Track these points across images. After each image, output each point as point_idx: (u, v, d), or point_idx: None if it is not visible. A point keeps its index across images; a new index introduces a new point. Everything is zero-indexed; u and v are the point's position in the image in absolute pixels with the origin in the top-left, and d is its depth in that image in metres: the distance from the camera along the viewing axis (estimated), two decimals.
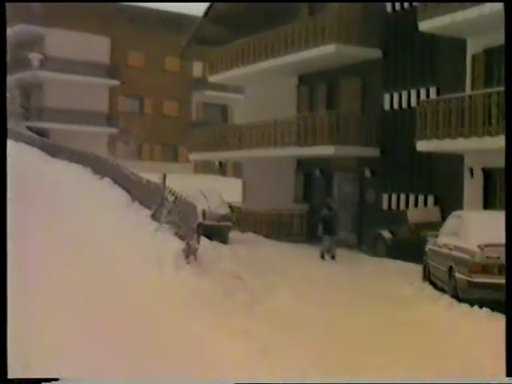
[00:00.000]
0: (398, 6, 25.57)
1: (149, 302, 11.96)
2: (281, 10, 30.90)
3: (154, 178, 20.78)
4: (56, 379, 6.52)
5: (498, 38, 20.60)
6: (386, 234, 23.48)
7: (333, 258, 22.46)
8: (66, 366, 7.73)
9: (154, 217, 18.17)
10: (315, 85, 30.08)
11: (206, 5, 34.61)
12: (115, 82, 51.69)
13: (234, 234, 26.37)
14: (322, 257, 22.47)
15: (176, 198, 17.62)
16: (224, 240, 24.17)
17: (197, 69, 56.05)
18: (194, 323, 10.69)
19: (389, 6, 25.82)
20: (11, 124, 47.41)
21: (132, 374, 8.01)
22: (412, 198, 24.83)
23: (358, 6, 26.76)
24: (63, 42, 49.19)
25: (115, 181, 24.35)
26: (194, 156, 36.79)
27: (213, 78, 35.62)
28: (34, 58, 45.14)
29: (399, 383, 6.99)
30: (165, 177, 18.60)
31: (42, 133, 44.82)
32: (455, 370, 9.05)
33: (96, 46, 50.77)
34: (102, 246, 16.38)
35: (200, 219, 17.05)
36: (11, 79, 49.61)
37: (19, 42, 52.51)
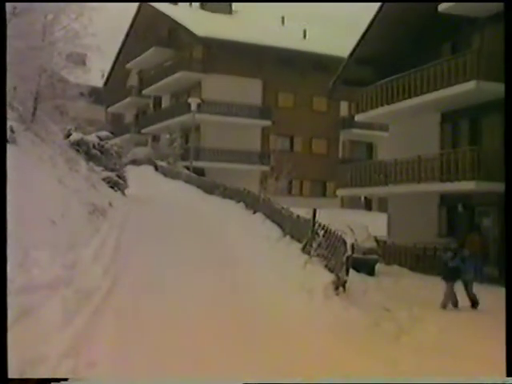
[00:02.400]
0: None
1: (299, 329, 12.24)
2: (425, 48, 30.83)
3: (303, 212, 21.16)
4: (65, 379, 6.45)
5: None
6: None
7: (473, 305, 18.02)
8: None
9: (304, 250, 18.44)
10: (458, 121, 29.72)
11: (351, 46, 34.99)
12: (267, 123, 52.77)
13: (379, 267, 26.36)
14: (444, 307, 17.68)
15: (325, 231, 17.85)
16: (371, 272, 24.18)
17: (343, 108, 56.41)
18: (340, 350, 10.88)
19: None
20: (171, 164, 49.51)
21: None
22: None
23: (500, 41, 26.25)
24: (219, 85, 50.88)
25: (267, 216, 24.89)
26: (341, 192, 36.94)
27: (359, 117, 35.80)
28: (193, 102, 46.83)
29: (399, 383, 6.82)
30: (315, 211, 18.89)
31: (198, 171, 46.31)
32: None
33: (249, 89, 52.12)
34: (254, 275, 16.84)
35: (349, 252, 17.13)
36: (174, 122, 51.86)
37: (181, 88, 54.78)
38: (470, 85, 25.88)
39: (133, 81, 67.68)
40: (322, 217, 19.42)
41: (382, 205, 43.50)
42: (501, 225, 26.78)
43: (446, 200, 30.02)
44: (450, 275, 17.98)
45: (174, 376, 7.70)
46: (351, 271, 18.50)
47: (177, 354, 9.79)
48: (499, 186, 25.20)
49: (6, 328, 6.73)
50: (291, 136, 54.56)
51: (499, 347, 11.94)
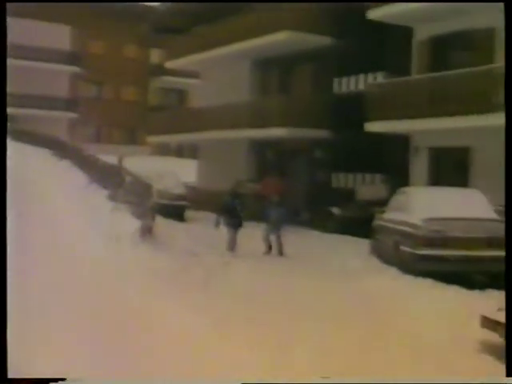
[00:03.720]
0: None
1: (106, 277, 11.85)
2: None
3: (111, 160, 20.62)
4: (63, 379, 6.45)
5: (444, 27, 20.93)
6: (337, 211, 23.50)
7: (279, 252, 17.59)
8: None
9: (111, 197, 18.02)
10: (268, 70, 29.95)
11: None
12: (75, 69, 51.06)
13: (189, 213, 26.41)
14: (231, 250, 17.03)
15: (133, 178, 17.48)
16: (180, 218, 24.25)
17: (155, 56, 55.56)
18: (147, 295, 10.59)
19: None
20: None
21: (88, 349, 7.84)
22: (361, 176, 24.92)
23: None
24: (26, 30, 48.35)
25: (74, 163, 24.08)
26: (151, 139, 36.54)
27: (170, 64, 35.33)
28: None
29: (399, 383, 6.95)
30: (121, 158, 18.49)
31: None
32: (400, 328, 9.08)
33: (58, 35, 50.06)
34: (63, 224, 16.24)
35: (156, 199, 16.87)
36: None
37: None
38: (282, 35, 26.07)
39: None
40: (131, 164, 19.07)
41: (194, 152, 43.56)
42: (309, 169, 27.47)
43: (255, 146, 30.32)
44: (231, 220, 17.31)
45: (172, 376, 7.31)
46: (160, 218, 18.34)
47: None
48: (308, 132, 26.03)
49: (6, 328, 6.76)
50: (100, 83, 53.21)
51: (302, 289, 12.37)
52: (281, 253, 17.36)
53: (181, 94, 56.57)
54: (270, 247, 17.55)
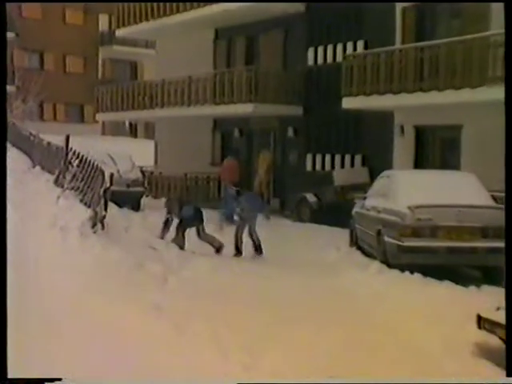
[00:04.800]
0: None
1: (51, 273, 11.68)
2: None
3: (57, 140, 20.35)
4: (59, 379, 6.66)
5: None
6: (311, 198, 23.45)
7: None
8: None
9: (57, 182, 17.82)
10: (233, 39, 29.78)
11: None
12: (9, 34, 50.36)
13: (146, 200, 26.30)
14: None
15: (81, 161, 17.26)
16: (136, 207, 24.13)
17: (103, 22, 55.11)
18: (98, 295, 10.45)
19: None
20: None
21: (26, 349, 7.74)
22: (338, 158, 24.88)
23: None
24: None
25: (13, 143, 23.71)
26: (101, 116, 36.21)
27: (120, 32, 34.97)
28: None
29: (399, 383, 7.10)
30: (68, 138, 18.23)
31: None
32: (385, 341, 9.01)
33: None
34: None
35: (107, 184, 16.66)
36: None
37: None
38: None
39: None
40: (79, 145, 18.80)
41: (150, 131, 43.29)
42: (281, 151, 27.39)
43: (220, 125, 30.17)
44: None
45: (171, 376, 7.50)
46: (113, 206, 18.18)
47: None
48: (278, 109, 25.94)
49: (6, 328, 7.16)
50: (41, 52, 52.61)
51: (272, 287, 12.29)
52: (260, 251, 16.23)
53: (134, 66, 56.22)
54: (239, 250, 16.22)
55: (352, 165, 24.37)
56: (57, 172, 18.30)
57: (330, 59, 25.24)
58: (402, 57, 20.08)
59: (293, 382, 7.44)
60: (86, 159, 17.16)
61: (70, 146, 18.25)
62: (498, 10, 10.94)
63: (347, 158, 24.57)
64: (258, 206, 17.03)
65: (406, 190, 14.70)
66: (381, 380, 7.34)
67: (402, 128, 21.78)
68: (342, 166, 24.67)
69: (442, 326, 9.66)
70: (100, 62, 55.58)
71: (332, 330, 9.39)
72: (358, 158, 24.16)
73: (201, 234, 16.31)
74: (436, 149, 21.52)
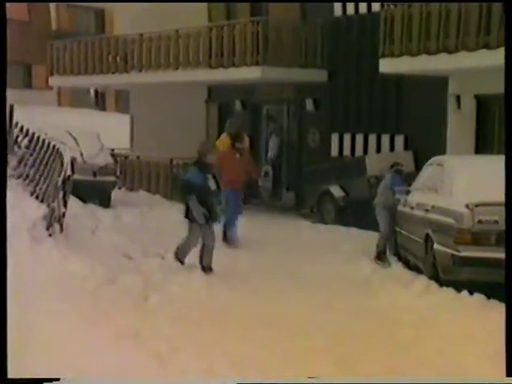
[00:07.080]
0: None
1: None
2: None
3: None
4: (57, 379, 7.63)
5: None
6: (337, 192, 23.50)
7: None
8: None
9: None
10: None
11: None
12: None
13: (119, 193, 26.45)
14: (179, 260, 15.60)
15: (31, 140, 17.37)
16: (105, 202, 24.42)
17: None
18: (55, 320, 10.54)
19: None
20: None
21: None
22: (373, 139, 24.92)
23: None
24: None
25: None
26: (56, 80, 36.26)
27: None
28: None
29: (399, 383, 7.88)
30: (12, 109, 18.30)
31: None
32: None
33: None
34: None
35: (67, 172, 16.75)
36: None
37: None
38: None
39: None
40: (27, 118, 18.90)
41: (123, 102, 43.37)
42: (297, 129, 27.46)
43: (217, 95, 30.28)
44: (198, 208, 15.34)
45: (170, 376, 8.24)
46: (75, 201, 18.28)
47: None
48: (293, 74, 25.99)
49: (6, 328, 8.25)
50: None
51: (291, 307, 12.33)
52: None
53: (101, 15, 56.26)
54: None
55: (391, 148, 24.41)
56: None
57: (363, 8, 25.26)
58: (462, 5, 20.02)
59: (293, 382, 8.17)
60: (37, 138, 17.26)
61: (14, 119, 18.29)
62: None
63: (385, 138, 24.60)
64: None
65: (464, 183, 14.77)
66: (381, 380, 8.02)
67: (459, 99, 21.81)
68: (378, 149, 24.71)
69: None
70: (53, 7, 55.43)
71: (361, 368, 9.43)
72: (399, 139, 24.20)
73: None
74: (504, 128, 21.48)
